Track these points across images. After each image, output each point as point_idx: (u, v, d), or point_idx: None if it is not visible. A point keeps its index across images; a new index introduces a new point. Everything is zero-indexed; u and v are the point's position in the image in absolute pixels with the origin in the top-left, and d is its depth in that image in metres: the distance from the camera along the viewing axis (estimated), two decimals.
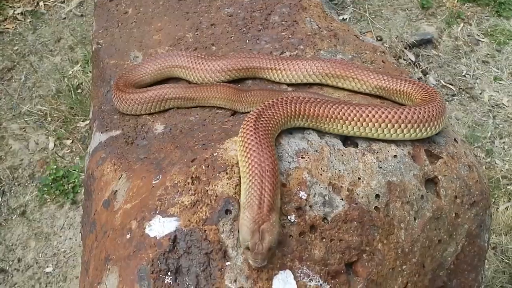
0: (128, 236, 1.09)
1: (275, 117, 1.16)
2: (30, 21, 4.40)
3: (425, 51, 3.95)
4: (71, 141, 3.54)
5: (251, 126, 1.11)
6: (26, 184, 3.33)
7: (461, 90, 3.71)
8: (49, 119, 3.67)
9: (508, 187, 3.15)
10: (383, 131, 1.22)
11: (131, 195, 1.23)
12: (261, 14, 2.18)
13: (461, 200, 1.35)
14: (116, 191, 1.35)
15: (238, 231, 1.03)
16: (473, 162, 1.44)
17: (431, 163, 1.33)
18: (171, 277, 1.00)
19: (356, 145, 1.28)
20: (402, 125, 1.23)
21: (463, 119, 3.52)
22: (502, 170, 3.24)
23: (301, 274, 1.03)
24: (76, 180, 3.26)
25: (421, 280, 1.26)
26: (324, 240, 1.08)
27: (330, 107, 1.20)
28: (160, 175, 1.19)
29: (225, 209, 1.04)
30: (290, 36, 2.04)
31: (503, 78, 3.76)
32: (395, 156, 1.27)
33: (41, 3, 4.53)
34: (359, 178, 1.19)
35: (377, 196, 1.19)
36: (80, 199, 3.22)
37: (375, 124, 1.21)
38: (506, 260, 2.89)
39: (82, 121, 3.64)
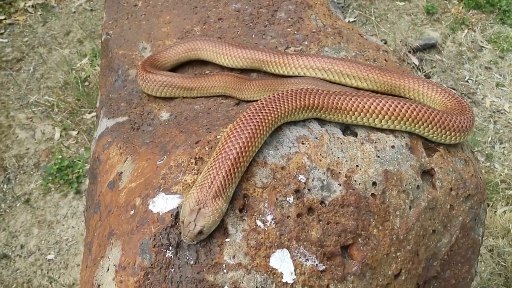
0: (132, 212, 1.13)
1: (278, 110, 1.19)
2: (40, 14, 4.46)
3: (429, 56, 3.99)
4: (77, 132, 3.59)
5: (247, 116, 1.14)
6: (31, 172, 3.38)
7: (463, 95, 3.75)
8: (56, 110, 3.72)
9: (507, 191, 3.18)
10: (415, 127, 1.29)
11: (136, 175, 1.28)
12: (268, 11, 2.22)
13: (456, 192, 1.38)
14: (121, 172, 1.39)
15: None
16: (470, 157, 1.47)
17: (428, 156, 1.37)
18: (172, 251, 1.04)
19: (355, 135, 1.32)
20: (436, 127, 1.30)
21: None
22: (501, 175, 3.27)
23: (298, 254, 1.07)
24: (81, 170, 3.31)
25: (415, 268, 1.29)
26: (321, 222, 1.12)
27: (354, 99, 1.24)
28: (165, 156, 1.23)
29: None
30: (295, 32, 2.08)
31: (505, 84, 3.79)
32: (392, 147, 1.31)
33: None
34: (357, 166, 1.23)
35: (374, 183, 1.23)
36: (84, 189, 3.27)
37: (410, 119, 1.27)
38: (503, 263, 2.92)
39: (89, 113, 3.70)
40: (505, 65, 3.92)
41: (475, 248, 1.49)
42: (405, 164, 1.29)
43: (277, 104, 1.19)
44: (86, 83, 3.86)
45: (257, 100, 1.24)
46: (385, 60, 2.00)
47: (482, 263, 2.96)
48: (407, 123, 1.27)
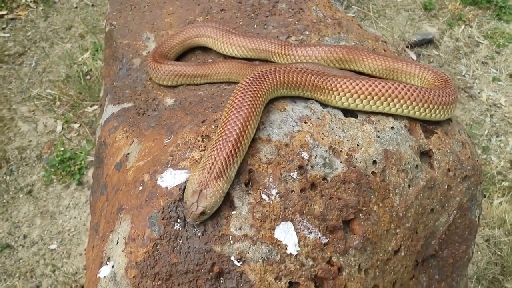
0: (140, 187, 1.17)
1: (266, 85, 1.21)
2: (42, 9, 4.49)
3: (426, 51, 4.04)
4: (78, 125, 3.63)
5: (241, 93, 1.17)
6: (34, 164, 3.41)
7: (460, 89, 3.79)
8: (58, 103, 3.75)
9: (503, 182, 3.23)
10: (397, 106, 1.30)
11: (143, 154, 1.32)
12: (269, 2, 2.26)
13: (453, 173, 1.43)
14: (128, 153, 1.43)
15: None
16: (466, 140, 1.52)
17: (426, 137, 1.41)
18: (180, 223, 1.07)
19: (356, 116, 1.36)
20: (420, 104, 1.31)
21: (461, 117, 3.60)
22: (497, 167, 3.32)
23: (301, 227, 1.11)
24: (83, 162, 3.35)
25: (413, 245, 1.34)
26: (323, 197, 1.16)
27: (338, 80, 1.28)
28: (172, 136, 1.27)
29: None
30: (296, 22, 2.12)
31: (501, 79, 3.84)
32: (392, 128, 1.35)
33: None
34: (357, 145, 1.27)
35: (374, 162, 1.27)
36: (86, 180, 3.31)
37: (394, 100, 1.29)
38: (499, 253, 2.97)
39: (90, 106, 3.73)
40: (501, 60, 3.98)
41: (472, 228, 1.53)
42: (404, 144, 1.34)
43: (265, 78, 1.23)
44: (88, 77, 3.90)
45: None
46: (383, 50, 2.05)
47: (479, 252, 3.01)
48: (390, 103, 1.29)
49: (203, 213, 1.04)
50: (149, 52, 2.08)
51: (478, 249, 3.01)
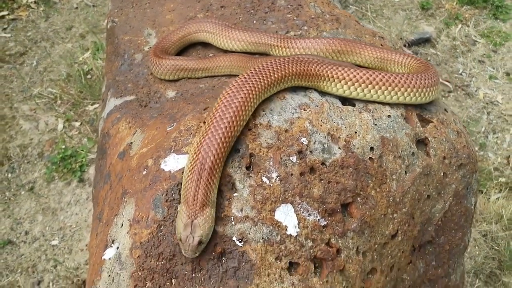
0: (144, 172, 1.21)
1: (255, 89, 1.20)
2: (43, 10, 4.53)
3: (424, 50, 4.08)
4: (79, 123, 3.66)
5: (222, 106, 1.16)
6: (35, 162, 3.44)
7: (457, 87, 3.84)
8: (59, 102, 3.79)
9: (500, 178, 3.27)
10: (379, 93, 1.33)
11: (147, 142, 1.35)
12: None
13: (449, 161, 1.46)
14: (131, 142, 1.47)
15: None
16: (462, 130, 1.56)
17: (422, 126, 1.45)
18: None
19: (353, 105, 1.39)
20: (402, 89, 1.33)
21: (458, 115, 3.64)
22: (494, 163, 3.36)
23: (301, 209, 1.14)
24: (84, 160, 3.38)
25: (410, 230, 1.37)
26: (322, 181, 1.19)
27: (328, 67, 1.32)
28: (174, 123, 1.30)
29: (234, 148, 1.16)
30: (295, 18, 2.16)
31: (498, 77, 3.88)
32: (389, 116, 1.38)
33: None
34: (355, 132, 1.31)
35: (372, 148, 1.30)
36: (87, 177, 3.33)
37: (375, 86, 1.32)
38: (496, 247, 3.00)
39: (91, 105, 3.77)
40: (498, 58, 4.02)
41: (468, 216, 1.56)
42: (400, 132, 1.37)
43: (256, 80, 1.23)
44: (89, 76, 3.93)
45: None
46: (381, 45, 2.09)
47: (476, 247, 3.04)
48: (378, 91, 1.32)
49: (200, 242, 1.04)
50: (150, 47, 2.12)
51: (476, 244, 3.05)
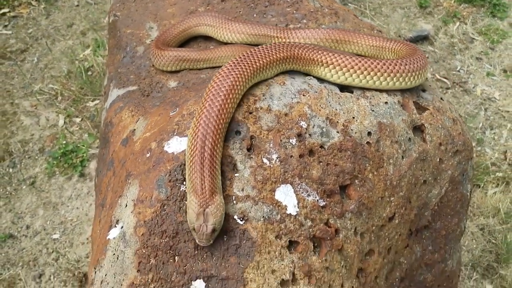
0: (147, 155, 1.24)
1: (245, 73, 1.23)
2: (43, 7, 4.56)
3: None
4: (80, 119, 3.69)
5: (211, 96, 1.18)
6: (36, 157, 3.47)
7: (455, 84, 3.87)
8: (60, 98, 3.82)
9: (497, 173, 3.30)
10: (367, 78, 1.36)
11: (150, 127, 1.38)
12: None
13: (445, 147, 1.49)
14: (134, 129, 1.50)
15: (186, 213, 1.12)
16: (457, 118, 1.59)
17: (418, 113, 1.48)
18: (186, 185, 1.14)
19: (351, 92, 1.42)
20: (385, 74, 1.35)
21: None
22: (491, 158, 3.39)
23: (301, 189, 1.17)
24: (85, 155, 3.41)
25: (407, 213, 1.40)
26: (321, 163, 1.22)
27: (319, 53, 1.35)
28: (177, 108, 1.34)
29: (235, 130, 1.19)
30: (294, 11, 2.20)
31: (495, 74, 3.92)
32: (386, 103, 1.42)
33: None
34: (353, 117, 1.34)
35: (369, 133, 1.33)
36: (87, 172, 3.36)
37: (364, 72, 1.35)
38: (493, 241, 3.04)
39: (92, 101, 3.80)
40: (495, 56, 4.06)
41: (463, 202, 1.60)
42: (397, 118, 1.40)
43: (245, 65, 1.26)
44: (89, 73, 3.96)
45: None
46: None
47: (474, 241, 3.08)
48: (366, 76, 1.34)
49: (213, 230, 1.06)
50: (152, 40, 2.15)
51: (473, 237, 3.08)
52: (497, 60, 4.02)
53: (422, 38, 4.09)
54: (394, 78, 1.35)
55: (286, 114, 1.24)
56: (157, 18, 2.29)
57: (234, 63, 1.25)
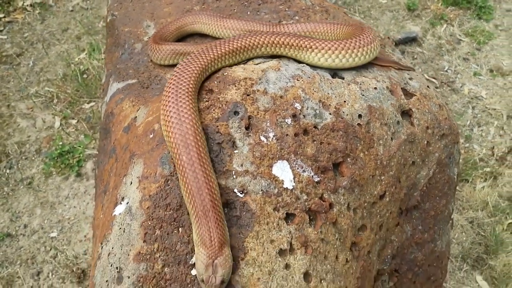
0: (151, 136, 1.30)
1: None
2: (38, 12, 4.62)
3: (410, 48, 4.23)
4: (76, 121, 3.74)
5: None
6: (33, 158, 3.51)
7: (443, 83, 3.98)
8: (56, 100, 3.87)
9: (485, 168, 3.39)
10: (319, 56, 1.43)
11: (151, 113, 1.45)
12: None
13: (432, 131, 1.57)
14: (136, 117, 1.56)
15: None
16: (443, 104, 1.67)
17: (406, 99, 1.56)
18: None
19: (342, 78, 1.50)
20: (337, 52, 1.43)
21: None
22: (479, 154, 3.49)
23: (296, 165, 1.24)
24: (81, 155, 3.45)
25: (397, 192, 1.47)
26: (315, 142, 1.30)
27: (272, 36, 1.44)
28: None
29: (234, 111, 1.26)
30: (286, 9, 2.28)
31: (482, 73, 4.04)
32: (375, 88, 1.50)
33: None
34: (344, 101, 1.41)
35: (360, 116, 1.41)
36: (84, 172, 3.41)
37: (321, 51, 1.42)
38: (482, 233, 3.12)
39: (87, 103, 3.85)
40: (482, 56, 4.18)
41: (451, 184, 1.67)
42: (386, 102, 1.48)
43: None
44: (85, 76, 4.02)
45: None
46: None
47: (463, 233, 3.16)
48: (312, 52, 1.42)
49: (222, 281, 1.07)
50: (149, 37, 2.22)
51: (463, 230, 3.16)
52: (484, 60, 4.14)
53: (411, 40, 4.21)
54: (347, 55, 1.43)
55: (281, 97, 1.32)
56: (154, 16, 2.36)
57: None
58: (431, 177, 1.60)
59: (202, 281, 1.07)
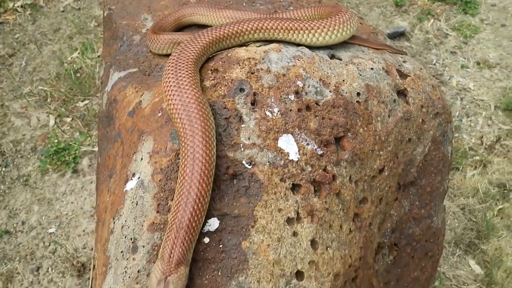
0: (159, 114, 1.35)
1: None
2: (29, 13, 4.63)
3: (399, 43, 4.32)
4: (71, 118, 3.76)
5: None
6: (29, 156, 3.52)
7: (431, 76, 4.07)
8: (49, 99, 3.88)
9: (474, 157, 3.48)
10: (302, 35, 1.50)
11: (157, 95, 1.49)
12: None
13: (426, 109, 1.64)
14: (141, 101, 1.60)
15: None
16: (436, 84, 1.74)
17: (401, 79, 1.63)
18: None
19: (340, 59, 1.56)
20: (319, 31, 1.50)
21: None
22: (469, 143, 3.58)
23: (300, 139, 1.29)
24: (77, 152, 3.47)
25: (395, 167, 1.54)
26: (317, 117, 1.35)
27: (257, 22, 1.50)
28: None
29: (239, 88, 1.31)
30: (281, 0, 2.34)
31: (469, 66, 4.14)
32: (372, 68, 1.56)
33: None
34: (343, 80, 1.47)
35: (358, 94, 1.47)
36: (81, 168, 3.43)
37: (305, 31, 1.49)
38: (473, 219, 3.20)
39: (81, 101, 3.87)
40: (469, 49, 4.29)
41: (445, 162, 1.74)
42: (382, 81, 1.55)
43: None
44: (78, 74, 4.04)
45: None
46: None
47: (455, 220, 3.24)
48: (292, 32, 1.48)
49: None
50: (148, 29, 2.27)
51: (455, 216, 3.24)
52: (471, 53, 4.24)
53: (399, 35, 4.30)
54: (329, 33, 1.49)
55: (284, 75, 1.37)
56: (151, 9, 2.40)
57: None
58: (427, 154, 1.66)
59: None
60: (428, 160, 1.68)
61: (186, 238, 1.10)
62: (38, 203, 3.25)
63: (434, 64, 4.16)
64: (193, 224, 1.11)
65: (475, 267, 3.01)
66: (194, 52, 1.34)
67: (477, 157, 3.49)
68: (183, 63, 1.27)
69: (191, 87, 1.21)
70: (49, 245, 3.03)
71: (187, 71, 1.25)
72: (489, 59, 4.16)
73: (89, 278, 2.86)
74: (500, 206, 3.24)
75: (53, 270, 2.91)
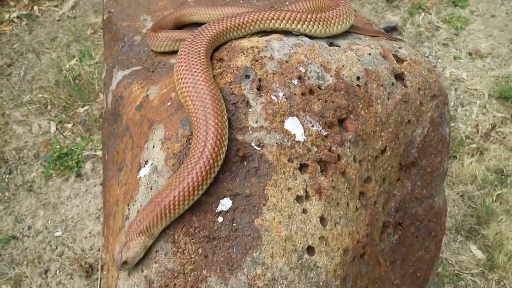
0: (169, 103, 1.40)
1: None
2: (26, 23, 4.68)
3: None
4: (72, 124, 3.80)
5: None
6: (32, 163, 3.55)
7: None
8: (50, 106, 3.92)
9: (471, 145, 3.55)
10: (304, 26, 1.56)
11: (164, 87, 1.54)
12: None
13: (424, 92, 1.70)
14: (147, 95, 1.65)
15: None
16: (431, 68, 1.80)
17: (398, 64, 1.69)
18: None
19: (338, 46, 1.62)
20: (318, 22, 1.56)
21: None
22: (465, 132, 3.65)
23: (305, 121, 1.35)
24: (80, 156, 3.51)
25: (397, 148, 1.59)
26: (320, 100, 1.41)
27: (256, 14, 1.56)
28: None
29: (245, 75, 1.36)
30: None
31: (461, 57, 4.22)
32: (369, 54, 1.62)
33: (35, 7, 4.83)
34: (343, 65, 1.53)
35: (358, 78, 1.53)
36: (84, 172, 3.46)
37: (305, 22, 1.55)
38: (473, 205, 3.26)
39: (82, 107, 3.91)
40: (460, 41, 4.37)
41: (444, 142, 1.80)
42: (380, 66, 1.60)
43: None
44: (77, 81, 4.08)
45: None
46: (355, 16, 2.34)
47: (455, 207, 3.29)
48: (295, 23, 1.54)
49: (125, 262, 1.16)
50: (148, 30, 2.32)
51: (455, 204, 3.30)
52: (462, 44, 4.32)
53: (391, 29, 4.37)
54: (326, 25, 1.55)
55: (286, 61, 1.43)
56: (150, 11, 2.46)
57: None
58: (426, 135, 1.72)
59: (112, 254, 1.16)
60: (428, 141, 1.74)
61: (158, 215, 1.15)
62: (43, 208, 3.28)
63: (427, 57, 4.24)
64: (172, 207, 1.16)
65: (477, 252, 3.06)
66: (205, 41, 1.39)
67: (474, 145, 3.56)
68: (194, 51, 1.32)
69: (203, 74, 1.26)
70: (56, 248, 3.06)
71: (199, 59, 1.30)
72: (481, 49, 4.24)
73: (97, 279, 2.89)
74: (499, 192, 3.31)
75: (61, 273, 2.94)
